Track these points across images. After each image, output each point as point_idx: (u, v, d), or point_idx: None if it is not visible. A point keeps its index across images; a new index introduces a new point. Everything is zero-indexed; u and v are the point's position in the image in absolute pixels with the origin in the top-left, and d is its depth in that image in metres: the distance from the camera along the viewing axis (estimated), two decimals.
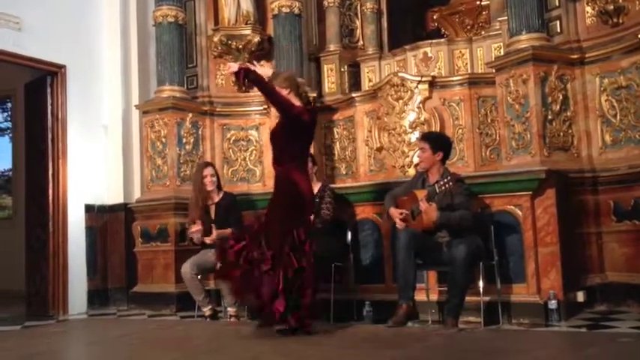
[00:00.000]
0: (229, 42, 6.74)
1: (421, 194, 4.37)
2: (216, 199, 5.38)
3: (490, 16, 6.40)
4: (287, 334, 3.92)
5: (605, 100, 5.11)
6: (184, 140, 6.46)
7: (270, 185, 6.35)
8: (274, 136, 4.17)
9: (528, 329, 4.35)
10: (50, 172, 6.29)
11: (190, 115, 6.53)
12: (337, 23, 6.89)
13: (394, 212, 4.56)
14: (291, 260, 3.87)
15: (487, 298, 4.51)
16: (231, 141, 6.77)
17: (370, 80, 6.64)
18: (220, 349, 3.85)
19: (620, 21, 5.10)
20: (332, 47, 6.81)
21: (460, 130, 5.43)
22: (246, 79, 4.06)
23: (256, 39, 6.74)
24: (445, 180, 4.22)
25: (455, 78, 5.61)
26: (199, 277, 5.16)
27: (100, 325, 5.62)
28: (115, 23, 6.92)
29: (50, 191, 6.26)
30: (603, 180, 5.00)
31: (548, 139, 4.92)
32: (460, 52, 6.16)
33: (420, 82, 5.50)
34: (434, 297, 4.87)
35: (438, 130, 5.32)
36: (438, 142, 4.58)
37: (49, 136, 6.33)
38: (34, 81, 6.51)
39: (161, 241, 6.24)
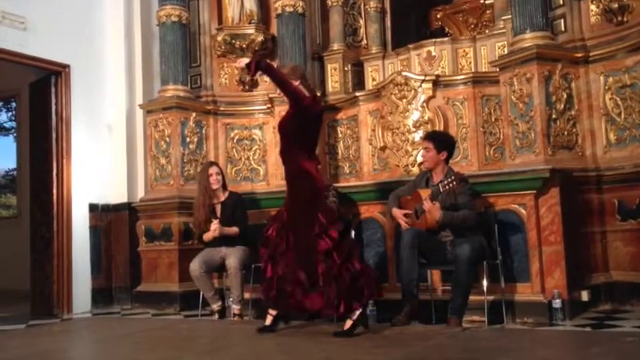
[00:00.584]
0: (233, 41, 6.76)
1: (425, 194, 4.37)
2: (222, 198, 5.39)
3: (494, 15, 6.39)
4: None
5: (610, 99, 5.10)
6: (188, 139, 6.47)
7: (273, 184, 6.39)
8: (285, 126, 4.13)
9: (532, 328, 4.34)
10: (54, 171, 6.30)
11: (194, 114, 6.54)
12: (341, 22, 6.89)
13: (397, 213, 4.57)
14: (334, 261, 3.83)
15: (491, 298, 4.51)
16: (235, 140, 6.78)
17: (374, 79, 6.64)
18: (225, 347, 3.85)
19: (625, 19, 5.09)
20: (335, 46, 6.80)
21: (464, 129, 5.42)
22: (257, 69, 4.04)
23: (260, 38, 6.75)
24: (449, 179, 4.21)
25: (459, 77, 5.59)
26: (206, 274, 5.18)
27: (104, 324, 5.63)
28: (119, 23, 6.94)
29: (54, 190, 6.28)
30: (607, 179, 4.99)
31: (552, 138, 4.91)
32: (464, 50, 6.15)
33: (423, 81, 5.49)
34: (437, 296, 4.87)
35: (441, 129, 5.32)
36: (442, 142, 4.57)
37: (54, 135, 6.34)
38: (39, 81, 6.53)
39: (165, 240, 6.25)
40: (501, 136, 5.30)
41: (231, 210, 5.33)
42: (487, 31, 6.33)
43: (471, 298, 4.30)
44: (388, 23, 7.12)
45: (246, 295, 5.23)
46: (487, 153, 5.39)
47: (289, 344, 3.76)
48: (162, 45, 6.57)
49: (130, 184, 6.78)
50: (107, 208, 6.73)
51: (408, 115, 5.53)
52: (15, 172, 9.71)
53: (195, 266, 5.13)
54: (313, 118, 4.08)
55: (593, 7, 5.27)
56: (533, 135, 4.90)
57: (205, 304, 5.36)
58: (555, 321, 4.40)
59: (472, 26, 7.12)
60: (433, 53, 6.16)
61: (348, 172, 6.30)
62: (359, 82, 6.81)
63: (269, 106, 6.53)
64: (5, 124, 10.17)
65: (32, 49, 6.08)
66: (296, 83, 4.04)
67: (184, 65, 6.63)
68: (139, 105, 6.77)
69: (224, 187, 5.46)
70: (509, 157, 5.07)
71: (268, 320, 4.10)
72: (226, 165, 6.63)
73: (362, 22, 7.10)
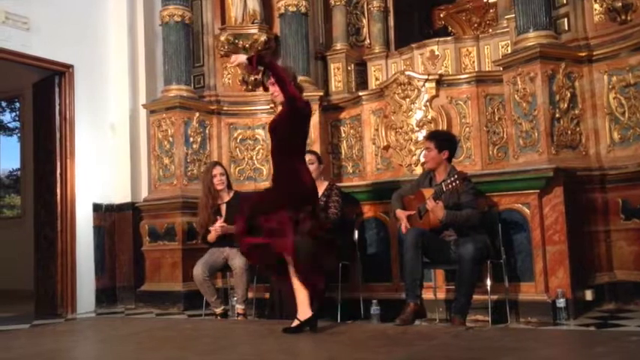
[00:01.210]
0: (236, 41, 6.77)
1: (428, 193, 4.37)
2: (227, 198, 5.37)
3: (497, 14, 6.39)
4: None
5: (614, 98, 5.09)
6: (191, 139, 6.47)
7: None
8: (278, 126, 4.11)
9: (536, 328, 4.34)
10: (58, 171, 6.32)
11: (197, 114, 6.54)
12: (344, 22, 6.90)
13: (401, 214, 4.56)
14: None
15: (495, 297, 4.51)
16: (238, 140, 6.79)
17: (377, 79, 6.64)
18: (228, 347, 3.85)
19: (629, 18, 5.07)
20: (339, 46, 6.81)
21: (467, 129, 5.42)
22: (259, 64, 4.03)
23: (263, 38, 6.75)
24: (452, 179, 4.21)
25: (462, 76, 5.59)
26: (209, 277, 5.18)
27: (107, 323, 5.63)
28: (122, 23, 6.95)
29: (58, 190, 6.29)
30: (611, 178, 4.98)
31: (555, 137, 4.90)
32: (467, 50, 6.15)
33: (427, 80, 5.49)
34: (441, 295, 4.87)
35: (445, 128, 5.32)
36: (443, 141, 4.57)
37: (57, 135, 6.36)
38: (42, 81, 6.54)
39: (168, 240, 6.26)
40: (505, 136, 5.29)
41: (236, 210, 5.31)
42: (490, 31, 6.33)
43: (475, 297, 4.30)
44: (391, 23, 7.13)
45: (250, 295, 5.24)
46: (490, 152, 5.39)
47: (292, 344, 3.76)
48: (166, 45, 6.58)
49: (133, 184, 6.80)
50: (111, 208, 6.75)
51: (411, 115, 5.52)
52: (19, 172, 9.74)
53: (198, 272, 5.12)
54: (305, 120, 4.10)
55: (596, 5, 5.26)
56: (536, 134, 4.89)
57: (209, 303, 5.37)
58: (559, 320, 4.39)
59: (475, 25, 7.11)
60: (436, 52, 6.17)
61: (351, 171, 6.30)
62: (362, 82, 6.82)
63: (272, 106, 6.53)
64: (9, 125, 10.22)
65: (36, 50, 6.10)
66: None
67: (187, 65, 6.64)
68: (143, 105, 6.79)
69: (229, 187, 5.45)
70: (512, 157, 5.06)
71: (294, 323, 3.98)
72: (230, 165, 6.63)
73: (365, 21, 7.11)
